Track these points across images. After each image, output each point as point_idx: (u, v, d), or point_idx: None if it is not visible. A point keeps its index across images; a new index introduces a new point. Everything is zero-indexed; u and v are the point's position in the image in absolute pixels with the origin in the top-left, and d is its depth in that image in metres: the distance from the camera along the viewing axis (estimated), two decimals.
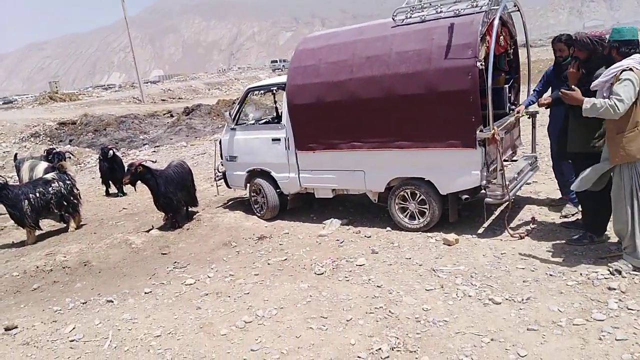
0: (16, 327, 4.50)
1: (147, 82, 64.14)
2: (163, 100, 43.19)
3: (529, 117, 6.07)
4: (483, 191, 5.34)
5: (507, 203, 5.36)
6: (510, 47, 6.29)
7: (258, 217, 7.04)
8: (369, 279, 4.66)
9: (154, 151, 16.68)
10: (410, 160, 5.53)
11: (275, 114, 7.92)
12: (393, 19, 5.65)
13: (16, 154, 13.19)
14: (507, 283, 4.18)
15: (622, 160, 3.98)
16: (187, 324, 4.21)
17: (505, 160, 5.95)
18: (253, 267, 5.35)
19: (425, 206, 5.59)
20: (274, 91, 7.21)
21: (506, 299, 3.90)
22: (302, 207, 7.11)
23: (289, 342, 3.70)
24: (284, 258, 5.49)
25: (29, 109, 43.49)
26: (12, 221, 7.30)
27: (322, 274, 4.92)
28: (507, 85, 6.33)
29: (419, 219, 5.68)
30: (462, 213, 5.80)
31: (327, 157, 6.15)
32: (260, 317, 4.16)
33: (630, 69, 3.81)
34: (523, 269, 4.41)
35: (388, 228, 5.92)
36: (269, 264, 5.40)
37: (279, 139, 6.56)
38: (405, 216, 5.79)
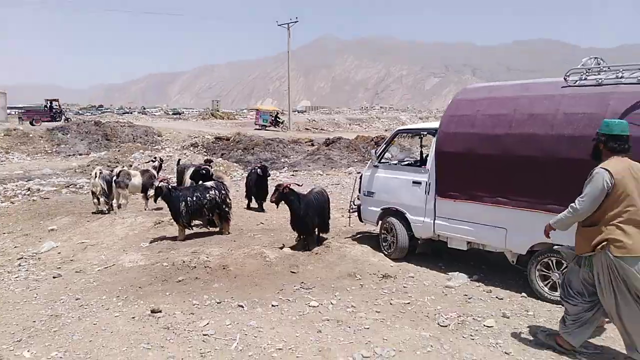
0: (160, 312, 5.05)
1: (295, 111, 68.60)
2: (307, 129, 45.89)
3: None
4: None
5: None
6: None
7: (385, 254, 7.05)
8: (497, 343, 4.39)
9: (292, 175, 17.68)
10: None
11: (419, 158, 7.96)
12: (565, 79, 5.40)
13: (179, 160, 15.02)
14: None
15: None
16: (307, 344, 4.35)
17: None
18: (375, 304, 5.36)
19: None
20: (422, 135, 7.26)
21: None
22: (431, 253, 6.97)
23: None
24: (407, 301, 5.41)
25: (193, 121, 49.33)
26: (170, 217, 8.25)
27: (446, 326, 4.75)
28: None
29: None
30: None
31: (467, 207, 5.99)
32: (378, 355, 4.14)
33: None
34: None
35: (523, 294, 5.52)
36: (391, 304, 5.37)
37: (419, 182, 6.57)
38: (546, 285, 5.36)
